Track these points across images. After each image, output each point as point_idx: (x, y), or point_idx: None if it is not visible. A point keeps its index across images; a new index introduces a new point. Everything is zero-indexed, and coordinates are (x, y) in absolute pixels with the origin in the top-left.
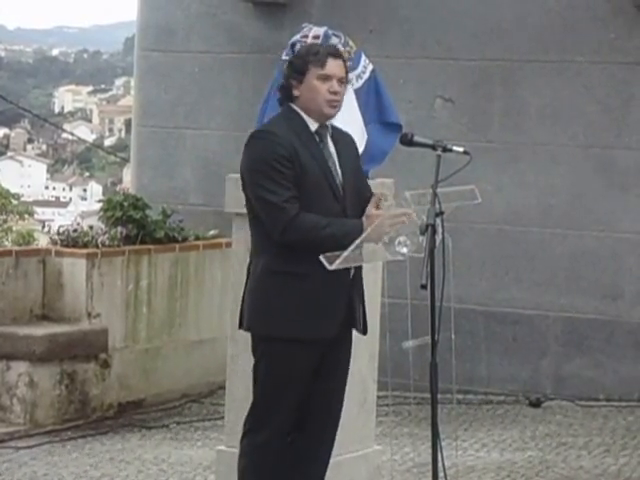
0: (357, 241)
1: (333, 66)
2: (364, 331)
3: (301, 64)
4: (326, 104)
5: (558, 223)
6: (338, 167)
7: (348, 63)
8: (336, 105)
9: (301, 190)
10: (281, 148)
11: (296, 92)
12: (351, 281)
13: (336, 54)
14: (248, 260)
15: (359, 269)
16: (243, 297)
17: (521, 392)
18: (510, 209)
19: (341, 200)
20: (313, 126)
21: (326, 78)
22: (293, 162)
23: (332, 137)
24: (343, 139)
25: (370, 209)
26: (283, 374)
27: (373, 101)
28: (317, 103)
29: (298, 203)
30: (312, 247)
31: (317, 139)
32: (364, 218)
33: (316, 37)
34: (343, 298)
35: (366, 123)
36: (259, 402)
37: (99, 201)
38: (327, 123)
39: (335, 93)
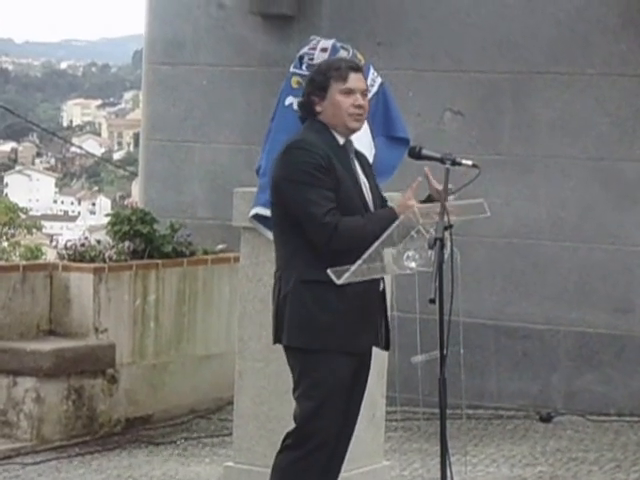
0: (389, 230)
1: (355, 80)
2: (386, 347)
3: (323, 80)
4: (351, 118)
5: (568, 236)
6: (366, 182)
7: None
8: (360, 119)
9: (337, 201)
10: (319, 158)
11: (319, 108)
12: (380, 294)
13: (357, 68)
14: (275, 273)
15: (384, 284)
16: (276, 311)
17: (531, 407)
18: (520, 222)
19: (368, 211)
20: (341, 140)
21: (349, 92)
22: (330, 173)
23: (355, 153)
24: (362, 156)
25: (408, 195)
26: (331, 385)
27: (381, 114)
28: (341, 118)
29: (338, 211)
30: (357, 248)
31: (345, 153)
32: (395, 205)
33: (324, 50)
34: (374, 311)
35: (373, 136)
36: (308, 417)
37: (107, 215)
38: (350, 138)
39: (359, 107)
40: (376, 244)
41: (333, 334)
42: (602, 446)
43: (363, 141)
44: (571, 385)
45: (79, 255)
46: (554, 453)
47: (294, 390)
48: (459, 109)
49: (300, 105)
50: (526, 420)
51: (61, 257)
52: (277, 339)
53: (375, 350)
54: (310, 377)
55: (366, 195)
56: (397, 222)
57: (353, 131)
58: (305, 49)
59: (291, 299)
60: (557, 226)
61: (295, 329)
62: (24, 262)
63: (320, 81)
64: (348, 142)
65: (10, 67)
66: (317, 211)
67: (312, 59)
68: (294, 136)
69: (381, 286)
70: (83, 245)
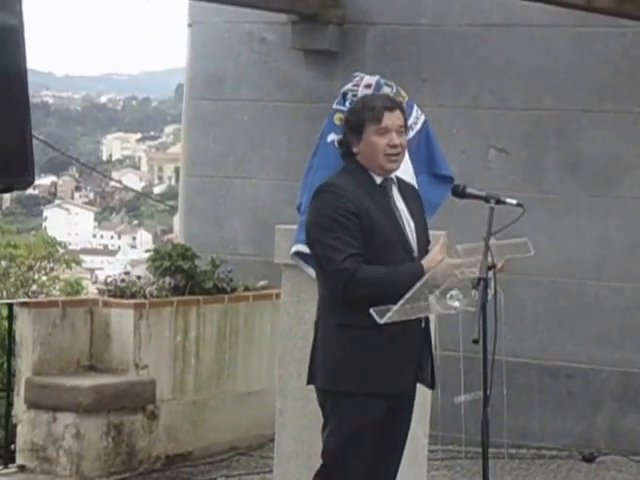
0: (418, 284)
1: (390, 119)
2: (432, 385)
3: (358, 121)
4: (386, 159)
5: (613, 276)
6: (410, 219)
7: None
8: (396, 159)
9: (371, 245)
10: (348, 202)
11: (355, 149)
12: (423, 332)
13: (392, 107)
14: (317, 313)
15: (428, 320)
16: (312, 353)
17: (574, 447)
18: (564, 261)
19: (410, 252)
20: (378, 179)
21: (385, 132)
22: (361, 217)
23: (399, 189)
24: (409, 191)
25: (437, 251)
26: (357, 427)
27: (424, 153)
28: (377, 159)
29: (361, 258)
30: (374, 300)
31: (383, 193)
32: (424, 261)
33: (368, 86)
34: (414, 350)
35: (416, 175)
36: (332, 456)
37: (146, 251)
38: (392, 175)
39: (395, 146)
40: (409, 294)
41: (367, 378)
42: None
43: (406, 179)
44: (615, 425)
45: (119, 291)
46: None
47: (323, 429)
48: (503, 147)
49: (340, 144)
50: (569, 460)
51: (101, 293)
52: (310, 381)
53: (418, 389)
54: (338, 417)
55: (409, 235)
56: (424, 279)
57: (389, 172)
58: (349, 85)
59: (326, 342)
60: (602, 265)
61: (330, 372)
62: (63, 298)
63: (355, 122)
64: (387, 180)
65: (50, 100)
66: (336, 257)
67: (356, 95)
68: (328, 179)
69: (423, 323)
70: (123, 281)
